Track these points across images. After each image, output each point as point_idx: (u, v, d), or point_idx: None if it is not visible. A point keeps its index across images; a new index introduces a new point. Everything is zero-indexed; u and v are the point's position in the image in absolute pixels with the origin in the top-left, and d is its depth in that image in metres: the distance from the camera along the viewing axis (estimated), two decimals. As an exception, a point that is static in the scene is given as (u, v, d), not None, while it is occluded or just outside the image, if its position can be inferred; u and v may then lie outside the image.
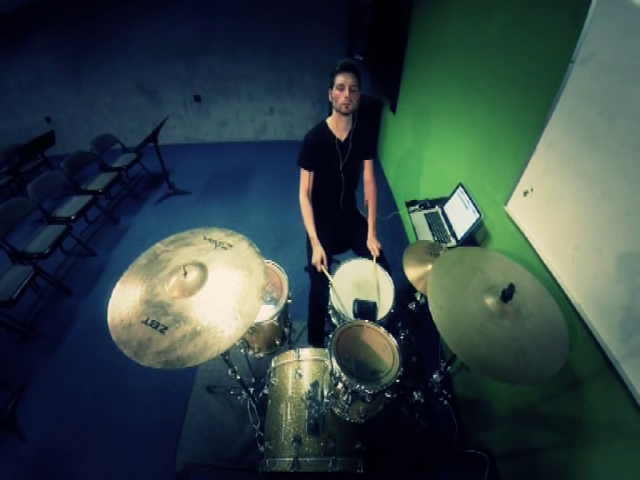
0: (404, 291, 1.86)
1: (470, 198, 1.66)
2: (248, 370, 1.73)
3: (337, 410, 1.13)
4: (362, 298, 1.31)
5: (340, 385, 1.04)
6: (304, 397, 1.23)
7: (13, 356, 2.11)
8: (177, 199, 3.63)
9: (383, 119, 3.91)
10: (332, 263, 1.65)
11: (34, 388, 1.92)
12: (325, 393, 1.16)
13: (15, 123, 4.51)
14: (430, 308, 0.94)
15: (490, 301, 0.95)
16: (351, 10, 3.60)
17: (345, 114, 1.52)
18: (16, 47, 3.95)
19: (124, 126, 4.61)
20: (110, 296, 0.93)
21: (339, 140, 1.60)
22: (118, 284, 0.97)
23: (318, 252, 1.56)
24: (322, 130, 1.61)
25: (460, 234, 1.66)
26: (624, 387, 0.87)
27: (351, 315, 1.28)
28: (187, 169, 4.20)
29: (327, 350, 1.06)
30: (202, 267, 0.98)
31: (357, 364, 1.05)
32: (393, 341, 1.10)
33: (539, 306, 0.97)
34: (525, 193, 1.27)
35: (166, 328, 0.85)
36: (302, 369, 1.32)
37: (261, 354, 1.45)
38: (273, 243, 2.88)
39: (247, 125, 4.79)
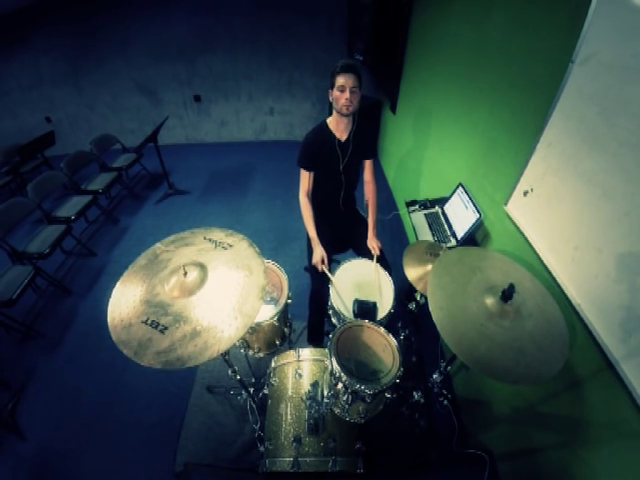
0: (404, 291, 1.86)
1: (470, 198, 1.66)
2: (248, 370, 1.73)
3: (337, 410, 1.13)
4: (362, 298, 1.31)
5: (340, 385, 1.04)
6: (304, 397, 1.23)
7: (13, 356, 2.11)
8: (177, 199, 3.63)
9: (383, 119, 3.91)
10: (332, 263, 1.65)
11: (34, 388, 1.92)
12: (325, 393, 1.16)
13: (15, 123, 4.51)
14: (430, 308, 0.94)
15: (490, 301, 0.95)
16: (351, 10, 3.60)
17: (346, 115, 1.52)
18: (16, 47, 3.95)
19: (124, 126, 4.62)
20: (110, 296, 0.93)
21: (339, 141, 1.60)
22: (118, 284, 0.97)
23: (319, 252, 1.56)
24: (322, 130, 1.61)
25: (460, 234, 1.66)
26: (624, 387, 0.87)
27: (351, 315, 1.28)
28: (187, 169, 4.20)
29: (327, 350, 1.06)
30: (202, 267, 0.98)
31: (357, 364, 1.05)
32: (393, 341, 1.10)
33: (539, 306, 0.97)
34: (525, 193, 1.27)
35: (166, 328, 0.85)
36: (302, 369, 1.32)
37: (261, 354, 1.45)
38: (273, 243, 2.88)
39: (247, 125, 4.79)
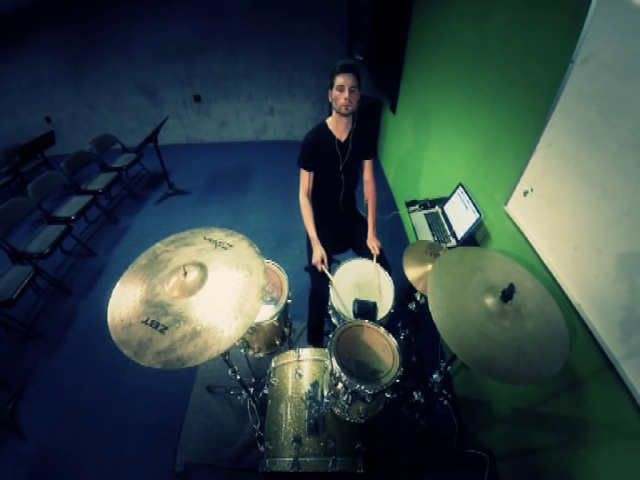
0: (404, 291, 1.87)
1: (470, 198, 1.66)
2: (248, 370, 1.72)
3: (337, 410, 1.13)
4: (362, 298, 1.31)
5: (340, 385, 1.04)
6: (304, 397, 1.23)
7: (13, 356, 2.11)
8: (177, 199, 3.63)
9: (383, 119, 3.91)
10: (332, 263, 1.65)
11: (34, 388, 1.92)
12: (325, 393, 1.16)
13: (15, 123, 4.51)
14: (430, 308, 0.93)
15: (490, 301, 0.95)
16: (351, 10, 3.59)
17: (345, 115, 1.52)
18: (16, 47, 3.95)
19: (124, 126, 4.62)
20: (110, 296, 0.93)
21: (339, 141, 1.60)
22: (118, 284, 0.97)
23: (318, 252, 1.56)
24: (322, 131, 1.61)
25: (460, 234, 1.66)
26: (624, 387, 0.87)
27: (351, 315, 1.28)
28: (187, 169, 4.20)
29: (327, 350, 1.06)
30: (202, 267, 0.98)
31: (357, 364, 1.05)
32: (393, 341, 1.10)
33: (539, 306, 0.97)
34: (525, 193, 1.27)
35: (166, 328, 0.85)
36: (302, 369, 1.32)
37: (261, 354, 1.45)
38: (273, 243, 2.88)
39: (247, 125, 4.79)
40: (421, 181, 2.65)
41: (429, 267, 1.32)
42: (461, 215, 1.71)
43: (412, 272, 1.33)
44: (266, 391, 1.40)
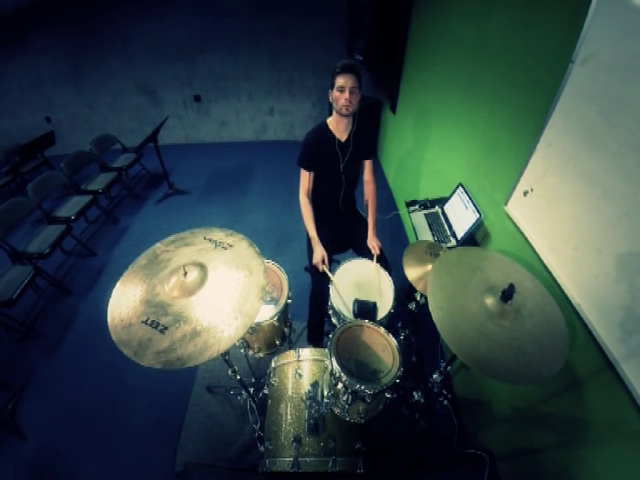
0: (404, 291, 1.87)
1: (470, 198, 1.66)
2: (248, 370, 1.73)
3: (337, 410, 1.13)
4: (362, 298, 1.31)
5: (340, 385, 1.04)
6: (304, 397, 1.23)
7: (13, 356, 2.11)
8: (177, 199, 3.63)
9: (383, 119, 3.91)
10: (332, 263, 1.65)
11: (34, 388, 1.92)
12: (325, 393, 1.16)
13: (15, 123, 4.51)
14: (430, 308, 0.93)
15: (490, 301, 0.95)
16: (351, 10, 3.60)
17: (346, 115, 1.52)
18: (16, 47, 3.95)
19: (124, 126, 4.62)
20: (110, 296, 0.93)
21: (339, 141, 1.60)
22: (118, 284, 0.97)
23: (319, 252, 1.56)
24: (322, 131, 1.61)
25: (460, 234, 1.66)
26: (624, 387, 0.87)
27: (351, 315, 1.28)
28: (187, 169, 4.21)
29: (327, 350, 1.06)
30: (202, 267, 0.98)
31: (357, 364, 1.05)
32: (393, 341, 1.10)
33: (539, 306, 0.97)
34: (525, 193, 1.27)
35: (166, 328, 0.85)
36: (302, 369, 1.32)
37: (261, 354, 1.45)
38: (273, 243, 2.88)
39: (247, 125, 4.79)
40: (421, 181, 2.65)
41: (429, 267, 1.32)
42: (461, 215, 1.71)
43: (412, 272, 1.33)
44: (266, 391, 1.40)
